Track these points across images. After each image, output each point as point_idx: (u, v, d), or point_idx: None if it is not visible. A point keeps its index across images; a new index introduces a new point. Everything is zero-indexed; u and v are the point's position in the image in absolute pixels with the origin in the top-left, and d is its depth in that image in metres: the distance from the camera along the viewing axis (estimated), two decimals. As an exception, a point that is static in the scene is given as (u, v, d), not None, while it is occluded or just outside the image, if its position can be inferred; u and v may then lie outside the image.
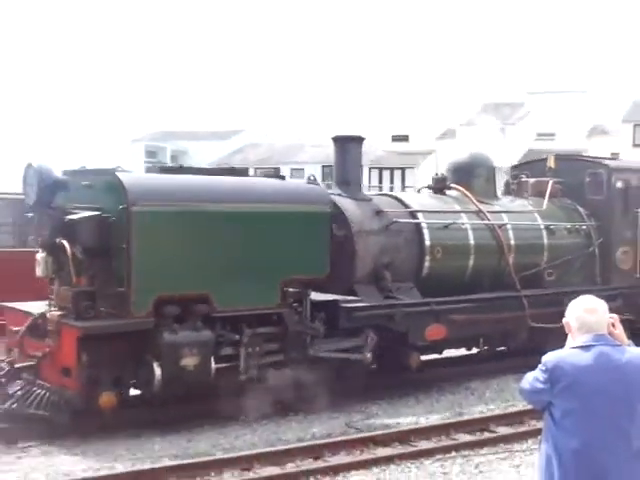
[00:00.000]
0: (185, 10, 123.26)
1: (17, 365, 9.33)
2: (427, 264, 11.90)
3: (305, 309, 10.24)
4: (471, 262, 12.43)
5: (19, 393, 9.14)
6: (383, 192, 12.94)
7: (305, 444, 8.85)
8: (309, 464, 8.20)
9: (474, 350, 13.50)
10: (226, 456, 8.33)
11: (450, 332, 11.78)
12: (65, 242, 9.12)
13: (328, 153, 55.82)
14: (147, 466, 7.97)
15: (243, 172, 10.65)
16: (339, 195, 11.54)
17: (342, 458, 8.43)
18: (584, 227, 14.20)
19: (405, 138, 53.89)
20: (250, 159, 53.64)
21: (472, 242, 12.41)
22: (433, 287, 11.81)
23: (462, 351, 13.71)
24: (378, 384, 11.52)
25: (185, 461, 8.16)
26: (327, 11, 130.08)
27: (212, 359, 9.38)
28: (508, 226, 13.02)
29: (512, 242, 12.98)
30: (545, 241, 13.56)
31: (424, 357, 12.25)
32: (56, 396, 8.83)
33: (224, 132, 60.40)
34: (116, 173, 9.18)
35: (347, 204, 11.38)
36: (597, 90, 49.84)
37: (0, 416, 9.27)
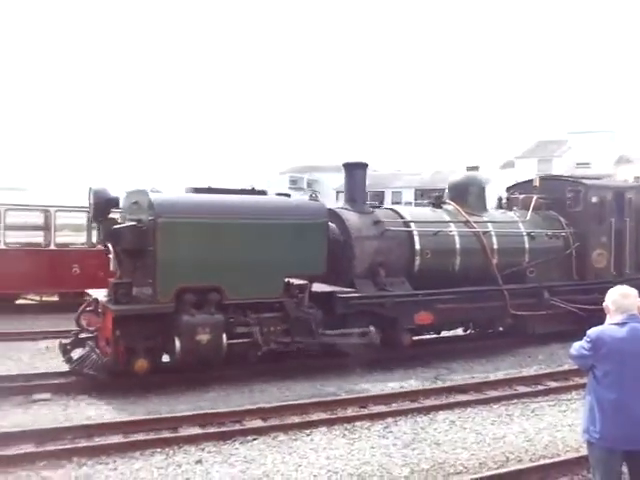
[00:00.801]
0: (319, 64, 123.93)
1: (80, 336, 8.79)
2: (417, 263, 10.56)
3: (305, 298, 9.17)
4: (458, 261, 10.95)
5: (84, 356, 8.60)
6: (386, 206, 11.65)
7: (405, 390, 8.71)
8: (408, 405, 8.11)
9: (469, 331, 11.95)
10: (348, 396, 8.29)
11: (437, 318, 10.41)
12: (110, 245, 8.51)
13: (421, 179, 54.10)
14: (293, 401, 7.99)
15: (262, 192, 9.68)
16: (346, 209, 10.42)
17: (432, 401, 8.26)
18: (563, 233, 12.34)
19: (476, 168, 51.19)
20: (362, 185, 52.36)
21: (458, 246, 10.95)
22: (424, 281, 10.44)
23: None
24: (458, 349, 11.12)
25: (320, 399, 8.10)
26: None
27: (224, 337, 8.50)
28: (492, 233, 11.45)
29: (495, 246, 11.38)
30: (526, 245, 11.85)
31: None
32: (101, 360, 8.22)
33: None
34: (149, 193, 8.46)
35: (350, 216, 10.25)
36: (622, 128, 45.86)
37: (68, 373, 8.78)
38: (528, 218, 12.10)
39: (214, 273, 8.55)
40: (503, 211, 12.57)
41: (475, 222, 11.36)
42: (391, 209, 11.09)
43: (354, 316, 9.67)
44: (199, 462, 6.05)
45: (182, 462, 6.05)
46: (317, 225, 9.27)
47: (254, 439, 6.68)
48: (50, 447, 6.23)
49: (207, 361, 8.60)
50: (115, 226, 8.50)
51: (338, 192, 53.58)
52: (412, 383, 9.10)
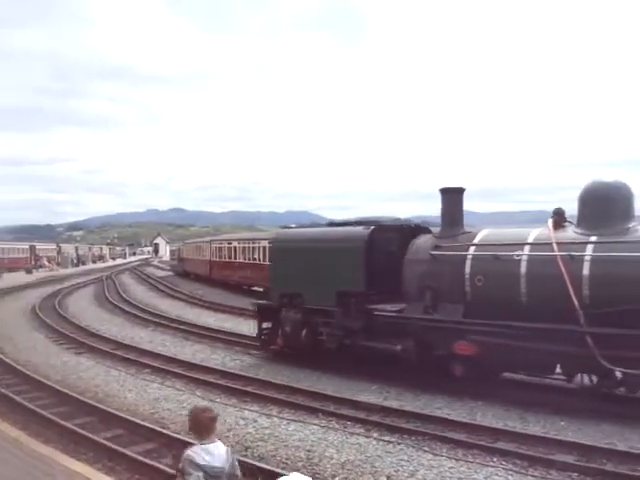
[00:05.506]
0: None
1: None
2: (468, 290, 9.93)
3: (351, 310, 11.22)
4: (523, 291, 9.27)
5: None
6: (479, 230, 9.58)
7: None
8: None
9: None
10: None
11: (480, 352, 9.56)
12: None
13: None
14: None
15: (374, 223, 11.78)
16: (431, 234, 11.06)
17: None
18: None
19: None
20: None
21: (523, 272, 9.29)
22: (480, 310, 9.72)
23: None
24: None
25: None
26: None
27: (304, 331, 12.06)
28: (586, 257, 8.77)
29: (585, 273, 8.70)
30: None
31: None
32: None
33: None
34: (281, 228, 13.20)
35: (421, 240, 11.00)
36: None
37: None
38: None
39: (299, 284, 12.28)
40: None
41: (569, 243, 9.02)
42: (479, 232, 10.40)
43: (394, 332, 10.63)
44: None
45: None
46: (353, 248, 11.19)
47: None
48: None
49: (294, 348, 12.33)
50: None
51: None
52: None
